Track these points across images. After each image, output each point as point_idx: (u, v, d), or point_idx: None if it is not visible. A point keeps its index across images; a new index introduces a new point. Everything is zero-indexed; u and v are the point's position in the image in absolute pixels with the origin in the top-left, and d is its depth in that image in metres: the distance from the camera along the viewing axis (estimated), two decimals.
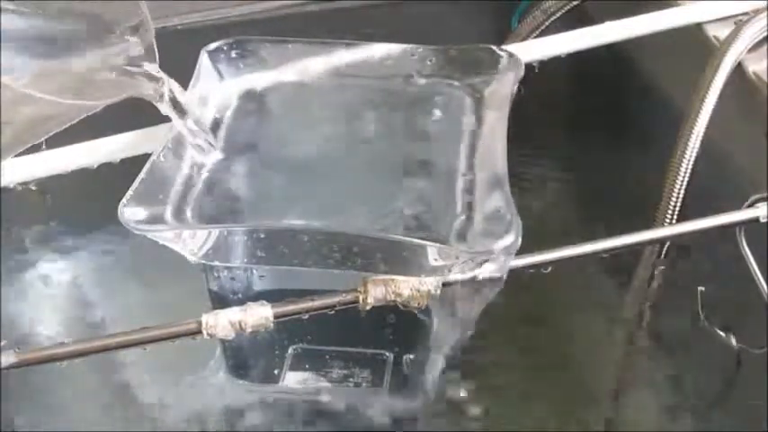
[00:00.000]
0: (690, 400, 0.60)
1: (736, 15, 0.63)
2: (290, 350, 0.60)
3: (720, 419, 0.58)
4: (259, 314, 0.44)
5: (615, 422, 0.61)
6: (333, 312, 0.45)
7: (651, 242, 0.56)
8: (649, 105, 0.73)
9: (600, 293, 0.67)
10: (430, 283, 0.44)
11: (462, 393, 0.58)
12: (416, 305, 0.45)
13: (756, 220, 0.49)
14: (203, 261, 0.46)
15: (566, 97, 0.83)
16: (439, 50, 0.56)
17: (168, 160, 0.48)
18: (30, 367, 0.44)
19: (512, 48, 0.58)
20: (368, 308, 0.45)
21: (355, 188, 0.49)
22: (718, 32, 0.62)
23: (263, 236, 0.45)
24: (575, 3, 0.71)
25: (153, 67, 0.45)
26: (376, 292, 0.44)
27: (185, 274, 0.56)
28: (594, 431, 0.60)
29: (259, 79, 0.56)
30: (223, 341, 0.58)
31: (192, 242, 0.44)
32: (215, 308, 0.44)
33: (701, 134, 0.57)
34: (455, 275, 0.44)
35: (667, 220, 0.58)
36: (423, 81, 0.56)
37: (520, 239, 0.42)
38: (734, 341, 0.57)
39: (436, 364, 0.61)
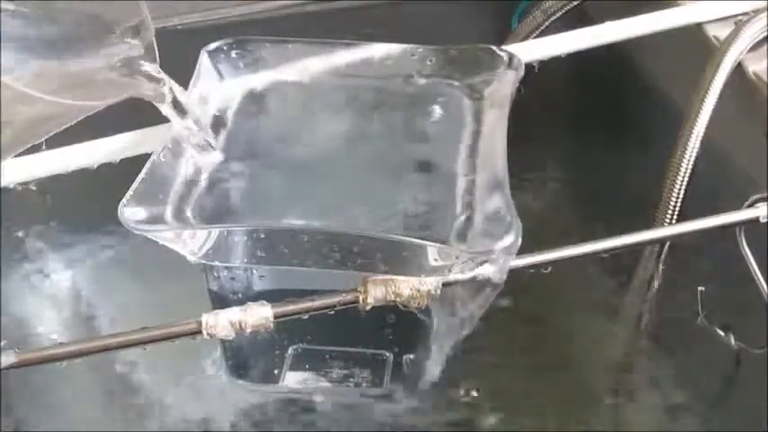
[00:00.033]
0: (690, 400, 0.60)
1: (736, 15, 0.63)
2: (290, 350, 0.60)
3: (720, 419, 0.58)
4: (259, 314, 0.44)
5: (615, 422, 0.61)
6: (333, 312, 0.45)
7: (651, 242, 0.56)
8: (649, 105, 0.73)
9: (600, 293, 0.67)
10: (430, 283, 0.44)
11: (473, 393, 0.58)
12: (416, 305, 0.45)
13: (756, 220, 0.49)
14: (203, 261, 0.46)
15: (566, 97, 0.83)
16: (439, 50, 0.56)
17: (168, 160, 0.48)
18: (30, 367, 0.44)
19: (512, 48, 0.58)
20: (368, 308, 0.45)
21: (355, 188, 0.49)
22: (718, 32, 0.62)
23: (263, 236, 0.45)
24: (575, 3, 0.71)
25: (153, 68, 0.45)
26: (376, 292, 0.44)
27: (185, 274, 0.56)
28: (594, 431, 0.60)
29: (259, 79, 0.56)
30: (223, 341, 0.58)
31: (191, 242, 0.44)
32: (215, 308, 0.44)
33: (701, 134, 0.57)
34: (455, 275, 0.44)
35: (667, 220, 0.58)
36: (423, 81, 0.56)
37: (520, 240, 0.42)
38: (734, 341, 0.57)
39: (436, 364, 0.61)
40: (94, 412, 0.63)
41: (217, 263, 0.48)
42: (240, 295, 0.56)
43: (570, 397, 0.61)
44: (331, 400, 0.60)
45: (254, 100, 0.55)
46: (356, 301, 0.45)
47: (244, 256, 0.45)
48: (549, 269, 0.47)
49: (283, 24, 0.78)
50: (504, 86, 0.53)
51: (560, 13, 0.72)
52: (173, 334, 0.44)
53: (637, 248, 0.59)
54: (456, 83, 0.55)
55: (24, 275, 0.72)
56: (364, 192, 0.49)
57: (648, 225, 0.58)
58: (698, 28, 0.63)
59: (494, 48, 0.55)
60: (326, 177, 0.50)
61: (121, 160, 0.54)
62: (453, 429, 0.60)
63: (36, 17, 0.43)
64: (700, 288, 0.57)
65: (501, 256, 0.43)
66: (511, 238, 0.42)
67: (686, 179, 0.58)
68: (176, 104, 0.46)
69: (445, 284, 0.44)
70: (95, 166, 0.54)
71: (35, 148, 0.48)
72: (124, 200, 0.44)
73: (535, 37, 0.72)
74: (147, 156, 0.48)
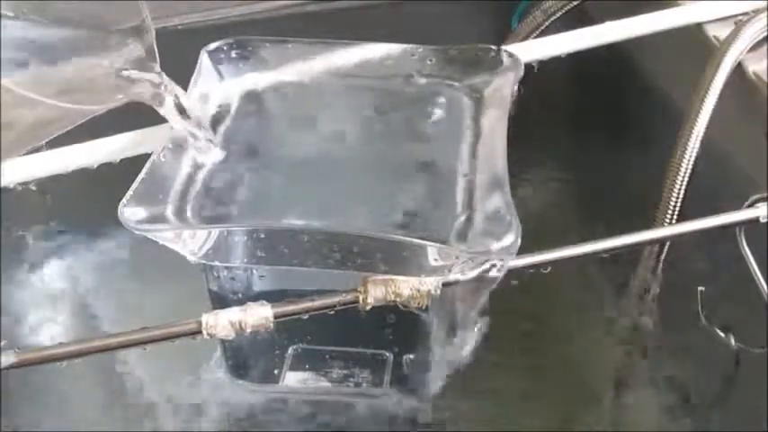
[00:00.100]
0: (690, 400, 0.60)
1: (736, 15, 0.63)
2: (290, 350, 0.60)
3: (720, 419, 0.58)
4: (259, 314, 0.44)
5: (615, 422, 0.61)
6: (333, 312, 0.45)
7: (651, 242, 0.56)
8: (649, 105, 0.73)
9: (599, 293, 0.67)
10: (430, 283, 0.44)
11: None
12: (416, 305, 0.45)
13: (756, 220, 0.49)
14: (203, 261, 0.46)
15: (566, 97, 0.83)
16: (439, 50, 0.56)
17: (168, 160, 0.48)
18: (30, 367, 0.44)
19: (512, 48, 0.58)
20: (368, 308, 0.45)
21: (355, 188, 0.49)
22: (718, 32, 0.62)
23: (263, 236, 0.45)
24: (575, 3, 0.71)
25: (154, 71, 0.45)
26: (376, 292, 0.44)
27: (185, 274, 0.55)
28: (594, 431, 0.60)
29: (259, 79, 0.56)
30: (223, 341, 0.58)
31: (191, 242, 0.44)
32: (215, 308, 0.44)
33: (701, 134, 0.57)
34: (455, 275, 0.44)
35: (667, 220, 0.58)
36: (423, 81, 0.56)
37: (520, 240, 0.42)
38: (734, 341, 0.57)
39: (436, 364, 0.61)
40: (93, 412, 0.63)
41: (217, 263, 0.48)
42: (240, 295, 0.56)
43: (570, 397, 0.61)
44: (331, 400, 0.60)
45: (254, 100, 0.55)
46: (356, 301, 0.45)
47: (244, 256, 0.45)
48: (549, 269, 0.47)
49: (283, 24, 0.78)
50: (504, 86, 0.53)
51: (560, 13, 0.72)
52: (173, 334, 0.44)
53: (637, 248, 0.59)
54: (456, 83, 0.55)
55: (24, 275, 0.72)
56: (364, 192, 0.49)
57: (648, 225, 0.58)
58: (698, 28, 0.63)
59: (494, 48, 0.55)
60: (326, 177, 0.50)
61: (121, 160, 0.54)
62: (453, 429, 0.60)
63: (37, 20, 0.43)
64: (700, 288, 0.57)
65: (501, 256, 0.43)
66: (511, 238, 0.42)
67: (686, 179, 0.58)
68: (177, 108, 0.46)
69: (445, 284, 0.44)
70: (95, 166, 0.54)
71: (35, 148, 0.48)
72: (124, 200, 0.44)
73: (535, 37, 0.72)
74: (147, 156, 0.48)
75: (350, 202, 0.48)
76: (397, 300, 0.44)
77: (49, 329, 0.69)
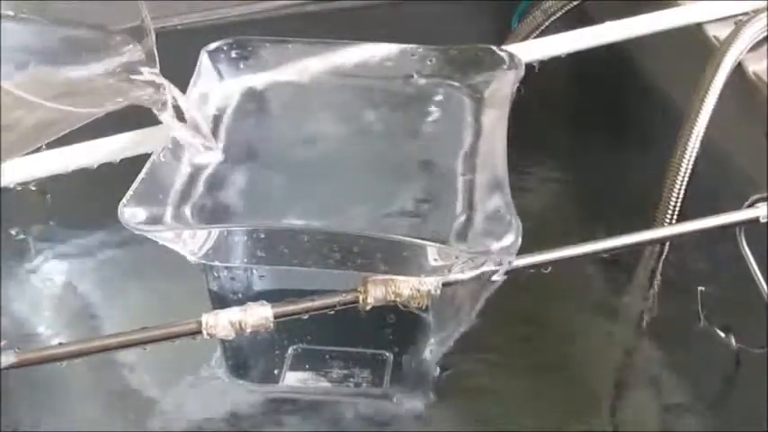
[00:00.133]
0: (690, 400, 0.60)
1: (736, 15, 0.63)
2: (290, 350, 0.60)
3: (720, 419, 0.58)
4: (259, 314, 0.44)
5: (615, 422, 0.61)
6: (333, 312, 0.45)
7: (651, 242, 0.56)
8: (649, 105, 0.73)
9: (599, 293, 0.67)
10: (430, 283, 0.44)
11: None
12: (416, 305, 0.45)
13: (756, 220, 0.49)
14: (203, 261, 0.46)
15: (566, 97, 0.83)
16: (439, 50, 0.56)
17: (168, 160, 0.48)
18: (30, 367, 0.44)
19: (512, 48, 0.58)
20: (368, 308, 0.45)
21: (355, 188, 0.49)
22: (718, 32, 0.62)
23: (263, 236, 0.45)
24: (575, 3, 0.71)
25: (154, 74, 0.45)
26: (376, 292, 0.44)
27: (185, 274, 0.56)
28: (594, 431, 0.60)
29: (259, 79, 0.56)
30: (223, 341, 0.58)
31: (191, 242, 0.44)
32: (215, 308, 0.44)
33: (701, 134, 0.57)
34: (455, 275, 0.44)
35: (667, 220, 0.58)
36: (423, 81, 0.56)
37: (520, 240, 0.42)
38: (734, 341, 0.57)
39: (436, 363, 0.61)
40: (94, 412, 0.63)
41: (217, 263, 0.48)
42: (240, 295, 0.56)
43: (570, 397, 0.61)
44: (331, 400, 0.60)
45: (254, 100, 0.55)
46: (356, 301, 0.45)
47: (244, 256, 0.45)
48: (549, 269, 0.47)
49: (283, 24, 0.78)
50: (504, 86, 0.53)
51: (560, 13, 0.72)
52: (173, 334, 0.44)
53: (637, 248, 0.59)
54: (456, 83, 0.55)
55: (24, 275, 0.72)
56: (364, 192, 0.49)
57: (648, 225, 0.58)
58: (698, 28, 0.63)
59: (494, 48, 0.55)
60: (326, 177, 0.50)
61: (121, 160, 0.54)
62: (453, 429, 0.60)
63: (36, 22, 0.43)
64: (700, 288, 0.57)
65: (501, 256, 0.43)
66: (511, 238, 0.42)
67: (686, 179, 0.58)
68: (176, 111, 0.46)
69: (445, 284, 0.44)
70: (95, 166, 0.54)
71: (35, 149, 0.48)
72: (124, 200, 0.44)
73: (535, 37, 0.71)
74: (147, 156, 0.48)
75: (350, 202, 0.48)
76: (397, 300, 0.44)
77: (48, 329, 0.69)
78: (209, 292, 0.56)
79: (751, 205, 0.50)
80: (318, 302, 0.45)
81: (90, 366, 0.64)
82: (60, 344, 0.44)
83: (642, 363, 0.64)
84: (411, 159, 0.51)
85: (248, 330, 0.44)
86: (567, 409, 0.61)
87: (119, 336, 0.44)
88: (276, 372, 0.60)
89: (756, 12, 0.61)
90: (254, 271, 0.55)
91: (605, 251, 0.48)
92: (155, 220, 0.44)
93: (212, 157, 0.49)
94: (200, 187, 0.48)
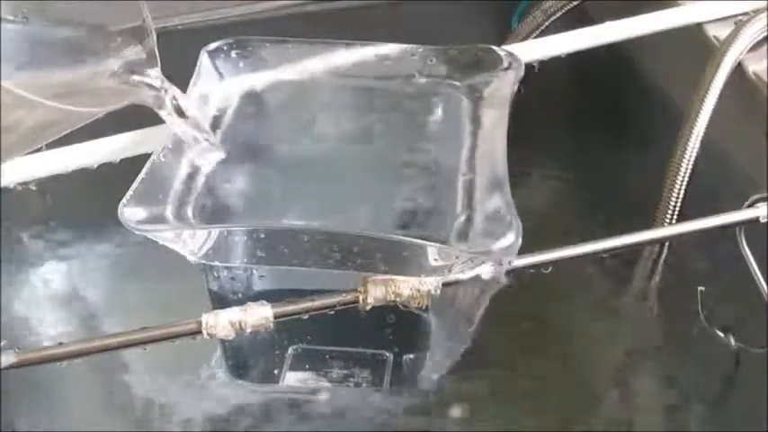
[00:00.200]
0: (690, 400, 0.60)
1: (736, 15, 0.63)
2: (290, 350, 0.60)
3: (720, 419, 0.58)
4: (259, 314, 0.44)
5: (615, 422, 0.61)
6: (333, 312, 0.45)
7: (651, 242, 0.56)
8: (649, 105, 0.73)
9: (599, 293, 0.67)
10: (430, 283, 0.44)
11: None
12: (416, 305, 0.45)
13: (756, 220, 0.49)
14: (203, 261, 0.46)
15: (566, 97, 0.83)
16: (439, 50, 0.56)
17: (168, 160, 0.48)
18: (29, 367, 0.44)
19: (512, 48, 0.58)
20: (368, 308, 0.45)
21: (355, 188, 0.49)
22: (718, 32, 0.62)
23: (263, 236, 0.45)
24: (575, 3, 0.71)
25: (155, 75, 0.45)
26: (376, 292, 0.44)
27: (185, 274, 0.56)
28: (594, 431, 0.60)
29: (259, 79, 0.56)
30: (223, 341, 0.58)
31: (191, 242, 0.44)
32: (215, 308, 0.44)
33: (701, 134, 0.57)
34: (455, 275, 0.44)
35: (667, 220, 0.58)
36: (423, 81, 0.56)
37: (520, 240, 0.42)
38: (733, 341, 0.57)
39: (436, 364, 0.61)
40: (94, 411, 0.63)
41: (217, 263, 0.48)
42: (240, 295, 0.56)
43: (570, 397, 0.61)
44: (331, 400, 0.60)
45: (254, 100, 0.55)
46: (356, 301, 0.45)
47: (244, 256, 0.45)
48: (550, 269, 0.47)
49: (283, 24, 0.78)
50: (504, 86, 0.53)
51: (560, 13, 0.72)
52: (173, 334, 0.44)
53: (637, 248, 0.59)
54: (456, 83, 0.55)
55: (24, 275, 0.72)
56: (364, 192, 0.49)
57: (648, 225, 0.58)
58: (698, 28, 0.63)
59: (494, 48, 0.55)
60: (326, 177, 0.50)
61: (121, 160, 0.54)
62: (453, 429, 0.60)
63: (36, 22, 0.43)
64: (700, 288, 0.57)
65: (501, 256, 0.43)
66: (511, 238, 0.42)
67: (686, 179, 0.58)
68: (178, 111, 0.46)
69: (445, 284, 0.44)
70: (95, 166, 0.54)
71: (35, 149, 0.48)
72: (124, 200, 0.44)
73: (535, 37, 0.72)
74: (147, 156, 0.48)
75: (350, 202, 0.48)
76: (397, 300, 0.44)
77: (48, 329, 0.69)
78: (209, 292, 0.56)
79: (751, 205, 0.50)
80: (318, 302, 0.45)
81: (90, 366, 0.65)
82: (60, 344, 0.44)
83: (642, 363, 0.64)
84: (411, 159, 0.51)
85: (248, 330, 0.44)
86: (567, 409, 0.61)
87: (119, 336, 0.44)
88: (276, 372, 0.60)
89: (756, 12, 0.61)
90: (254, 271, 0.55)
91: (605, 251, 0.48)
92: (155, 220, 0.44)
93: (212, 157, 0.49)
94: (200, 187, 0.48)
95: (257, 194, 0.49)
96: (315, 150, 0.52)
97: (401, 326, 0.57)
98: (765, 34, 0.60)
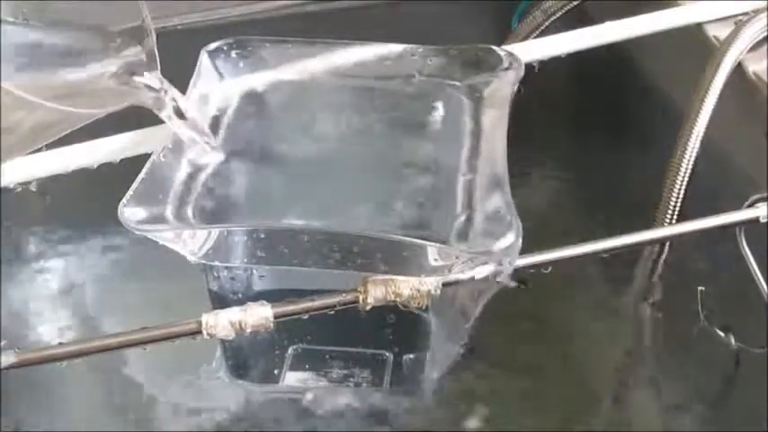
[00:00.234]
0: (690, 400, 0.60)
1: (736, 15, 0.63)
2: (290, 350, 0.60)
3: (720, 419, 0.58)
4: (259, 314, 0.44)
5: (615, 422, 0.61)
6: (333, 312, 0.45)
7: (651, 242, 0.56)
8: (649, 105, 0.73)
9: (599, 293, 0.67)
10: (430, 283, 0.44)
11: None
12: (416, 305, 0.45)
13: (756, 220, 0.49)
14: (203, 261, 0.46)
15: (566, 97, 0.83)
16: (439, 50, 0.56)
17: (168, 160, 0.48)
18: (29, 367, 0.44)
19: (512, 48, 0.58)
20: (368, 308, 0.45)
21: (355, 188, 0.49)
22: (718, 32, 0.62)
23: (263, 236, 0.45)
24: (575, 3, 0.71)
25: (154, 76, 0.45)
26: (376, 292, 0.44)
27: (185, 274, 0.56)
28: (594, 431, 0.60)
29: (259, 79, 0.56)
30: (223, 341, 0.58)
31: (191, 242, 0.44)
32: (215, 308, 0.44)
33: (701, 134, 0.57)
34: (455, 275, 0.44)
35: (667, 220, 0.58)
36: (423, 81, 0.56)
37: (520, 240, 0.42)
38: (734, 341, 0.57)
39: (436, 364, 0.61)
40: (93, 411, 0.63)
41: (217, 263, 0.48)
42: (240, 295, 0.56)
43: (570, 396, 0.61)
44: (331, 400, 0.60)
45: (254, 100, 0.55)
46: (356, 301, 0.45)
47: (244, 256, 0.45)
48: (549, 269, 0.47)
49: (283, 24, 0.78)
50: (504, 86, 0.53)
51: (560, 13, 0.72)
52: (173, 334, 0.44)
53: (637, 248, 0.59)
54: (456, 83, 0.55)
55: (24, 275, 0.72)
56: (364, 192, 0.49)
57: (648, 225, 0.58)
58: (698, 28, 0.63)
59: (494, 48, 0.55)
60: (326, 177, 0.50)
61: (121, 160, 0.54)
62: (453, 429, 0.60)
63: (36, 22, 0.43)
64: (700, 288, 0.57)
65: (502, 256, 0.43)
66: (511, 238, 0.42)
67: (686, 179, 0.58)
68: (177, 112, 0.46)
69: (445, 284, 0.44)
70: (95, 166, 0.54)
71: (35, 149, 0.48)
72: (124, 200, 0.44)
73: (535, 37, 0.72)
74: (147, 156, 0.48)
75: (350, 202, 0.48)
76: (397, 300, 0.44)
77: (48, 329, 0.69)
78: (209, 292, 0.56)
79: (751, 205, 0.50)
80: (318, 302, 0.45)
81: (89, 366, 0.65)
82: (60, 344, 0.44)
83: (642, 363, 0.64)
84: (411, 159, 0.51)
85: (248, 330, 0.44)
86: (567, 408, 0.61)
87: (119, 336, 0.44)
88: (276, 372, 0.60)
89: (756, 12, 0.61)
90: (254, 271, 0.55)
91: (605, 251, 0.48)
92: (155, 220, 0.44)
93: (212, 157, 0.49)
94: (200, 187, 0.48)
95: (257, 194, 0.49)
96: (315, 150, 0.52)
97: (401, 326, 0.57)
98: (765, 34, 0.60)
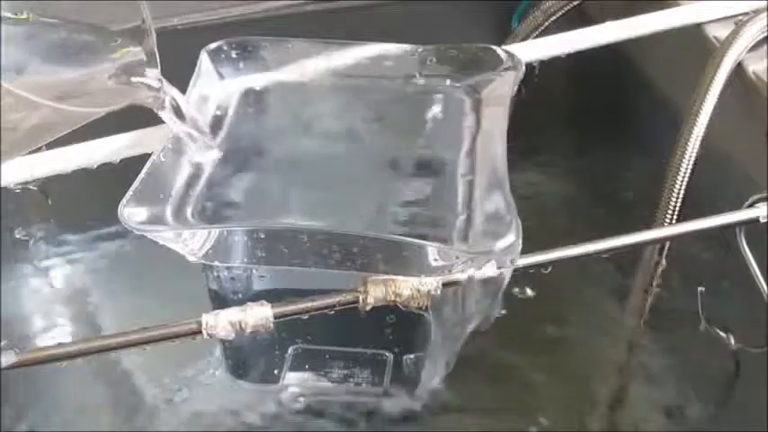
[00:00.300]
0: (690, 400, 0.60)
1: (736, 15, 0.63)
2: (290, 350, 0.60)
3: (720, 419, 0.58)
4: (259, 314, 0.44)
5: (615, 422, 0.61)
6: (333, 312, 0.45)
7: (651, 242, 0.56)
8: (649, 105, 0.73)
9: (598, 293, 0.67)
10: (430, 283, 0.44)
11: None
12: (416, 305, 0.45)
13: (756, 220, 0.49)
14: (203, 261, 0.46)
15: (566, 97, 0.83)
16: (439, 50, 0.56)
17: (168, 160, 0.48)
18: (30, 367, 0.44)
19: (512, 48, 0.58)
20: (368, 308, 0.45)
21: (355, 188, 0.49)
22: (718, 32, 0.62)
23: (263, 236, 0.45)
24: (575, 3, 0.71)
25: (154, 76, 0.45)
26: (376, 292, 0.44)
27: (185, 274, 0.56)
28: (594, 431, 0.60)
29: (259, 79, 0.56)
30: (223, 341, 0.58)
31: (192, 242, 0.44)
32: (215, 308, 0.44)
33: (701, 134, 0.57)
34: (455, 275, 0.44)
35: (667, 220, 0.58)
36: (423, 81, 0.56)
37: (520, 240, 0.42)
38: (734, 341, 0.57)
39: (436, 364, 0.61)
40: (93, 411, 0.63)
41: (217, 263, 0.48)
42: (240, 295, 0.56)
43: (570, 397, 0.61)
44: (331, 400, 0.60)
45: (254, 100, 0.55)
46: (356, 301, 0.45)
47: (244, 256, 0.45)
48: (550, 269, 0.47)
49: (283, 24, 0.78)
50: (504, 86, 0.53)
51: (560, 13, 0.72)
52: (173, 334, 0.44)
53: (637, 248, 0.59)
54: (456, 83, 0.55)
55: (24, 275, 0.72)
56: (364, 192, 0.49)
57: (648, 225, 0.58)
58: (698, 28, 0.63)
59: (494, 48, 0.55)
60: (326, 177, 0.50)
61: (121, 160, 0.54)
62: (453, 429, 0.60)
63: (37, 22, 0.43)
64: (700, 288, 0.57)
65: (502, 256, 0.43)
66: (511, 238, 0.42)
67: (686, 179, 0.58)
68: (177, 112, 0.46)
69: (445, 284, 0.44)
70: (95, 166, 0.54)
71: (35, 148, 0.48)
72: (124, 200, 0.44)
73: (535, 37, 0.72)
74: (147, 156, 0.48)
75: (350, 203, 0.48)
76: (397, 300, 0.44)
77: (48, 329, 0.69)
78: (210, 292, 0.56)
79: (751, 205, 0.50)
80: (318, 302, 0.45)
81: (89, 366, 0.65)
82: (60, 344, 0.44)
83: (642, 363, 0.64)
84: (411, 159, 0.51)
85: (248, 330, 0.44)
86: (567, 408, 0.61)
87: (119, 336, 0.44)
88: (276, 372, 0.60)
89: (756, 12, 0.61)
90: (254, 271, 0.55)
91: (605, 251, 0.48)
92: (155, 220, 0.44)
93: (212, 157, 0.49)
94: (200, 187, 0.48)
95: (257, 194, 0.49)
96: (315, 150, 0.52)
97: (401, 326, 0.57)
98: (765, 34, 0.60)
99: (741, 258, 0.51)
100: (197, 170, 0.49)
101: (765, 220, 0.49)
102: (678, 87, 0.67)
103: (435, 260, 0.43)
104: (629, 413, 0.61)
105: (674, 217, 0.58)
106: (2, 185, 0.52)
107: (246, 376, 0.62)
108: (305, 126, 0.53)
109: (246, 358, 0.62)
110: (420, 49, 0.56)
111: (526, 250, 0.44)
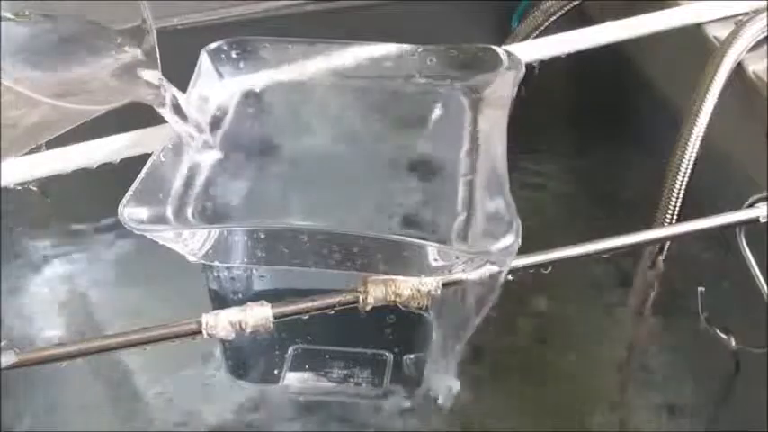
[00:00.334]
0: (690, 400, 0.60)
1: (736, 15, 0.63)
2: (290, 350, 0.60)
3: (720, 419, 0.58)
4: (259, 314, 0.44)
5: (615, 422, 0.61)
6: (333, 312, 0.45)
7: (651, 242, 0.56)
8: (649, 105, 0.73)
9: (598, 293, 0.67)
10: (430, 284, 0.44)
11: None
12: (416, 305, 0.45)
13: (756, 220, 0.49)
14: (203, 261, 0.46)
15: (566, 97, 0.83)
16: (439, 50, 0.56)
17: (168, 160, 0.48)
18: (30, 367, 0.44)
19: (512, 48, 0.58)
20: (368, 308, 0.45)
21: (355, 188, 0.49)
22: (718, 32, 0.62)
23: (263, 236, 0.45)
24: (575, 3, 0.71)
25: (154, 74, 0.45)
26: (376, 292, 0.44)
27: (185, 274, 0.56)
28: (594, 431, 0.60)
29: (259, 79, 0.56)
30: (223, 341, 0.58)
31: (192, 242, 0.44)
32: (215, 308, 0.44)
33: (701, 134, 0.57)
34: (455, 275, 0.44)
35: (667, 220, 0.58)
36: (423, 81, 0.56)
37: (520, 240, 0.42)
38: (733, 341, 0.57)
39: (436, 364, 0.61)
40: (93, 411, 0.63)
41: (217, 263, 0.48)
42: (240, 295, 0.56)
43: (570, 397, 0.61)
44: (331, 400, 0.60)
45: (253, 100, 0.55)
46: (356, 301, 0.45)
47: (244, 256, 0.45)
48: (550, 269, 0.47)
49: (283, 24, 0.78)
50: (504, 86, 0.53)
51: (560, 13, 0.72)
52: (173, 334, 0.44)
53: (637, 248, 0.59)
54: (456, 83, 0.55)
55: (24, 275, 0.72)
56: (364, 192, 0.49)
57: (648, 225, 0.58)
58: (698, 28, 0.63)
59: (494, 48, 0.55)
60: (326, 177, 0.50)
61: (121, 160, 0.54)
62: (453, 429, 0.60)
63: (37, 21, 0.43)
64: (700, 288, 0.57)
65: (501, 256, 0.43)
66: (511, 238, 0.42)
67: (686, 179, 0.58)
68: (177, 110, 0.46)
69: (445, 284, 0.44)
70: (95, 166, 0.54)
71: (35, 148, 0.48)
72: (124, 200, 0.44)
73: (535, 37, 0.72)
74: (147, 156, 0.48)
75: (350, 203, 0.48)
76: (397, 300, 0.44)
77: (48, 329, 0.69)
78: (210, 291, 0.56)
79: (751, 205, 0.50)
80: (318, 302, 0.45)
81: (89, 365, 0.65)
82: (60, 344, 0.44)
83: (642, 363, 0.64)
84: (411, 159, 0.51)
85: (248, 330, 0.44)
86: (566, 408, 0.61)
87: (119, 336, 0.44)
88: (276, 372, 0.60)
89: (756, 12, 0.61)
90: (254, 271, 0.55)
91: (605, 251, 0.48)
92: (155, 220, 0.44)
93: (212, 157, 0.49)
94: (200, 187, 0.48)
95: (257, 194, 0.49)
96: (315, 150, 0.52)
97: (401, 326, 0.57)
98: (765, 34, 0.60)
99: (741, 258, 0.51)
100: (197, 170, 0.49)
101: (765, 220, 0.49)
102: (678, 87, 0.67)
103: (435, 260, 0.43)
104: (629, 413, 0.61)
105: (674, 217, 0.58)
106: (2, 185, 0.52)
107: (246, 376, 0.62)
108: (305, 126, 0.53)
109: (246, 358, 0.62)
110: (420, 49, 0.56)
111: (526, 250, 0.44)
